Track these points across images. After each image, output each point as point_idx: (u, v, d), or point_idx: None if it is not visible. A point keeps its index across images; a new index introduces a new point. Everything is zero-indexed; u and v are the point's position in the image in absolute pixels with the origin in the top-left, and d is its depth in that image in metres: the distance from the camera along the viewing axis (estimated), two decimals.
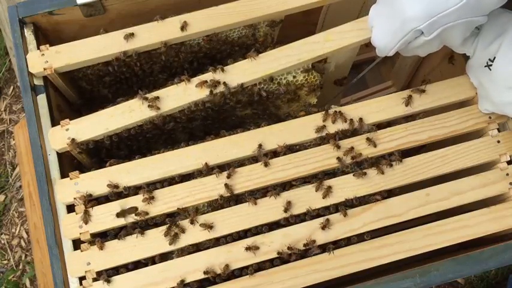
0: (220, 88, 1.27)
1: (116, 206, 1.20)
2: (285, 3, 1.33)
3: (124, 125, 1.26)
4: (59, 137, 1.24)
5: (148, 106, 1.25)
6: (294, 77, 1.33)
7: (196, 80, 1.28)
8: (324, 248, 1.18)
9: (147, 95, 1.26)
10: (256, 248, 1.16)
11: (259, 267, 1.17)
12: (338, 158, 1.22)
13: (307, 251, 1.17)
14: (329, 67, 1.39)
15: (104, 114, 1.27)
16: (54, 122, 1.27)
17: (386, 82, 1.94)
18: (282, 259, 1.17)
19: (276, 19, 1.37)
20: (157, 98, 1.26)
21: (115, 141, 1.28)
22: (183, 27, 1.29)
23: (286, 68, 1.30)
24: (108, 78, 1.40)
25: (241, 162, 1.24)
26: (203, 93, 1.27)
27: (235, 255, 1.17)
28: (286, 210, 1.19)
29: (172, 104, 1.27)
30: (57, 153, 1.25)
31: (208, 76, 1.28)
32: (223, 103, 1.32)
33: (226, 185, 1.20)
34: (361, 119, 1.25)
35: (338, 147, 1.23)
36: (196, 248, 1.19)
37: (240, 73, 1.28)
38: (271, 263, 1.17)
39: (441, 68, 1.55)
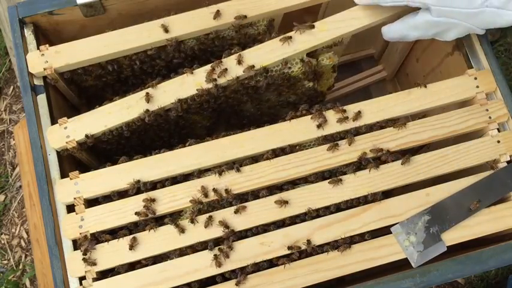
0: (218, 81, 1.27)
1: (116, 205, 1.20)
2: (284, 1, 1.33)
3: (122, 121, 1.26)
4: (57, 135, 1.24)
5: (145, 100, 1.26)
6: (290, 68, 1.34)
7: (192, 74, 1.28)
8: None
9: (149, 89, 1.27)
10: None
11: (259, 267, 1.17)
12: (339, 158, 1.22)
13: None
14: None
15: (102, 111, 1.27)
16: (54, 122, 1.27)
17: (377, 66, 1.97)
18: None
19: (275, 17, 1.37)
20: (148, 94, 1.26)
21: (114, 138, 1.29)
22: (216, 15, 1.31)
23: (282, 60, 1.30)
24: (110, 77, 1.40)
25: (241, 163, 1.24)
26: (200, 87, 1.27)
27: (235, 254, 1.17)
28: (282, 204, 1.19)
29: (169, 99, 1.27)
30: (57, 153, 1.25)
31: (205, 69, 1.28)
32: (221, 96, 1.32)
33: (226, 189, 1.20)
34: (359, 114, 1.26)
35: (337, 146, 1.23)
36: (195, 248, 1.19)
37: (237, 66, 1.28)
38: (271, 263, 1.18)
39: (441, 68, 1.55)
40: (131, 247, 1.16)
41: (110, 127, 1.26)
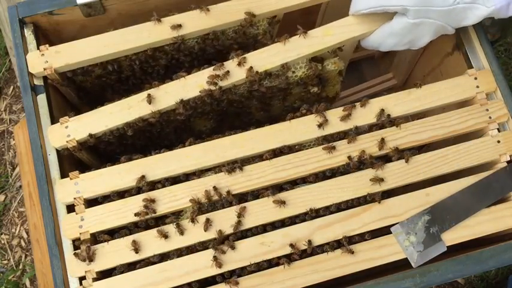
0: (220, 83, 1.27)
1: (116, 205, 1.20)
2: (284, 1, 1.33)
3: (123, 122, 1.26)
4: (58, 134, 1.24)
5: (147, 101, 1.25)
6: (293, 72, 1.33)
7: (194, 76, 1.28)
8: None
9: (150, 90, 1.27)
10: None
11: (259, 267, 1.17)
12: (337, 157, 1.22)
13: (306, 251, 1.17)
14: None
15: (103, 111, 1.27)
16: (54, 122, 1.27)
17: (387, 74, 1.95)
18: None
19: (275, 16, 1.37)
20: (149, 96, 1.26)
21: (114, 138, 1.29)
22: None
23: (285, 63, 1.30)
24: (110, 77, 1.40)
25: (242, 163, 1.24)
26: (202, 89, 1.27)
27: (235, 254, 1.17)
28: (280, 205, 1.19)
29: (171, 100, 1.27)
30: (57, 153, 1.25)
31: (208, 72, 1.28)
32: (224, 99, 1.32)
33: (226, 189, 1.20)
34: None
35: (333, 148, 1.23)
36: (196, 248, 1.19)
37: (240, 69, 1.28)
38: (270, 263, 1.18)
39: (441, 68, 1.55)
40: (136, 251, 1.16)
41: (111, 127, 1.26)
